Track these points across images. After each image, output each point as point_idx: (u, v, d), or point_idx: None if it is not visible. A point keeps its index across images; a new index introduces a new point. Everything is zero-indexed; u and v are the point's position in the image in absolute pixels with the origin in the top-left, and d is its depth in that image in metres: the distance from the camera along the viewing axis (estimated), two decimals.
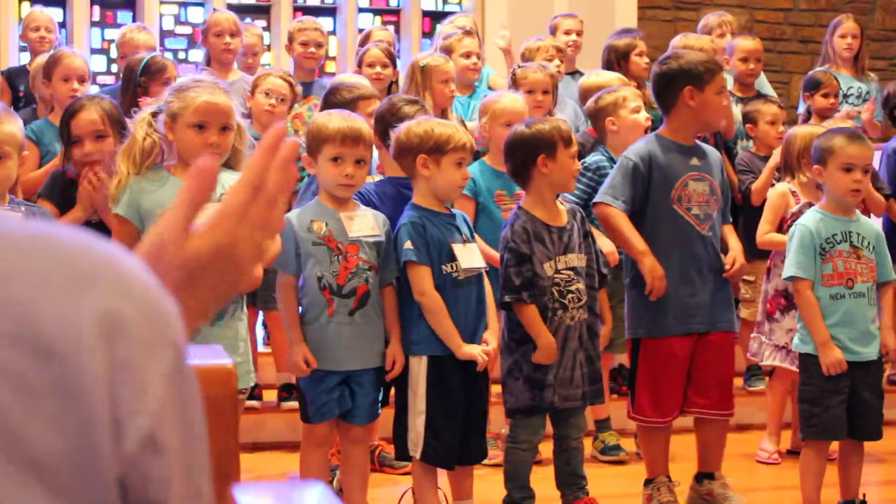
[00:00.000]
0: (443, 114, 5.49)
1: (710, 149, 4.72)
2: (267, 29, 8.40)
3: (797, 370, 5.25)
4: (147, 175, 3.78)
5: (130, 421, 0.85)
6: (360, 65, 6.29)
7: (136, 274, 0.90)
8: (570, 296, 4.20)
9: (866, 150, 4.39)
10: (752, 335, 5.47)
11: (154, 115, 3.82)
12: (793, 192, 5.27)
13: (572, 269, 4.23)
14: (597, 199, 4.51)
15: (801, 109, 6.85)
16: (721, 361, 4.54)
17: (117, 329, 0.86)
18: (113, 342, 0.85)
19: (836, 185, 4.38)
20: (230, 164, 3.91)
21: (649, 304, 4.44)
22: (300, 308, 4.02)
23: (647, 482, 4.56)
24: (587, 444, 4.77)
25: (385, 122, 4.37)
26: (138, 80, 5.39)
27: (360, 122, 4.03)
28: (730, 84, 6.73)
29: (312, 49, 6.42)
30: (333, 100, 4.84)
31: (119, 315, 0.86)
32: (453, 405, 4.05)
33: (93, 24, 8.25)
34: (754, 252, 5.77)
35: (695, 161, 4.51)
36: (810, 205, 5.19)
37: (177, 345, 0.91)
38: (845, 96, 7.01)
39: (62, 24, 8.05)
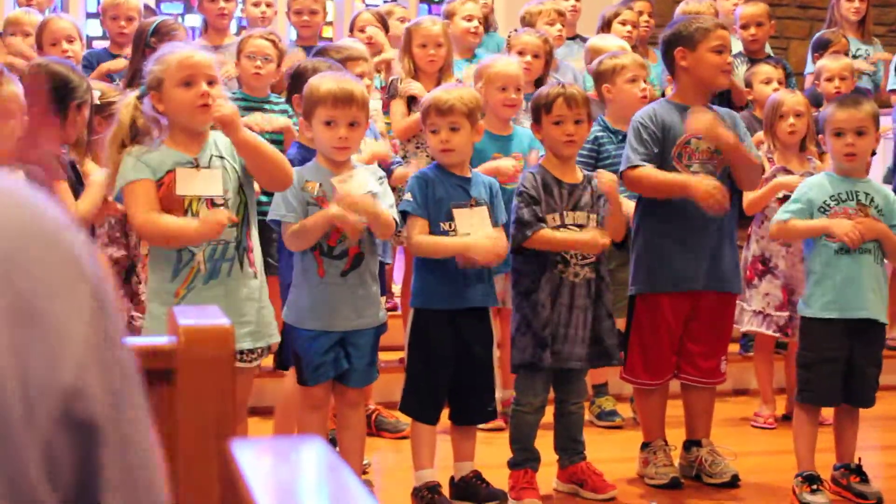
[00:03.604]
0: (439, 77, 5.46)
1: (723, 110, 4.71)
2: None
3: (774, 335, 5.31)
4: (141, 147, 3.77)
5: (50, 378, 0.77)
6: (352, 29, 6.27)
7: (34, 211, 0.81)
8: (572, 251, 4.22)
9: (856, 112, 4.36)
10: (736, 302, 5.49)
11: (140, 98, 3.80)
12: (769, 158, 5.28)
13: (579, 226, 4.25)
14: (621, 169, 4.50)
15: (809, 71, 6.83)
16: (714, 329, 4.55)
17: (21, 278, 0.78)
18: (17, 294, 0.77)
19: (832, 150, 4.42)
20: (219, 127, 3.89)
21: (648, 261, 4.49)
22: (293, 271, 4.02)
23: (644, 445, 4.58)
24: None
25: (290, 85, 4.39)
26: (148, 41, 5.37)
27: (353, 84, 4.00)
28: (740, 49, 6.71)
29: (306, 17, 6.39)
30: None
31: (16, 258, 0.78)
32: (433, 360, 4.11)
33: None
34: (741, 219, 5.79)
35: None
36: (783, 169, 5.23)
37: (92, 282, 0.82)
38: (854, 56, 6.99)
39: None
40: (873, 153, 6.13)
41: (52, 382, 0.78)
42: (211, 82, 3.74)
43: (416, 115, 5.25)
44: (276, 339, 3.96)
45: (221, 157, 3.79)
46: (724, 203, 4.36)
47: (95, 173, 4.17)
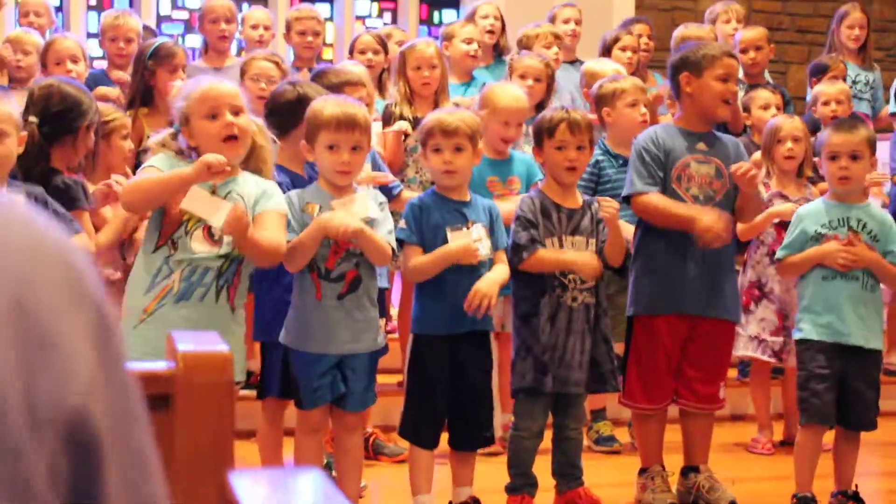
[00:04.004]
0: (436, 99, 5.47)
1: (727, 137, 4.72)
2: None
3: (769, 360, 5.32)
4: (177, 153, 3.80)
5: (58, 400, 0.79)
6: (351, 51, 6.28)
7: (43, 233, 0.83)
8: (571, 276, 4.22)
9: (851, 137, 4.39)
10: None
11: (174, 137, 3.81)
12: (765, 183, 5.30)
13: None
14: (624, 193, 4.50)
15: (810, 97, 6.84)
16: (713, 354, 4.54)
17: (31, 300, 0.79)
18: (27, 316, 0.79)
19: (827, 174, 4.47)
20: (253, 165, 3.87)
21: (647, 283, 4.48)
22: (292, 293, 4.01)
23: (642, 471, 4.57)
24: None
25: (266, 107, 4.40)
26: (146, 63, 5.38)
27: (356, 108, 4.00)
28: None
29: (310, 38, 6.41)
30: (320, 83, 4.80)
31: (26, 281, 0.80)
32: (430, 385, 4.09)
33: (89, 7, 8.22)
34: (736, 245, 5.80)
35: (701, 146, 4.51)
36: (780, 194, 5.24)
37: (98, 304, 0.85)
38: (853, 83, 7.01)
39: (59, 9, 8.03)
40: None
41: (60, 404, 0.80)
42: (237, 112, 3.75)
43: (393, 133, 5.27)
44: (237, 379, 3.92)
45: (241, 197, 3.78)
46: (724, 237, 4.36)
47: (119, 208, 4.19)
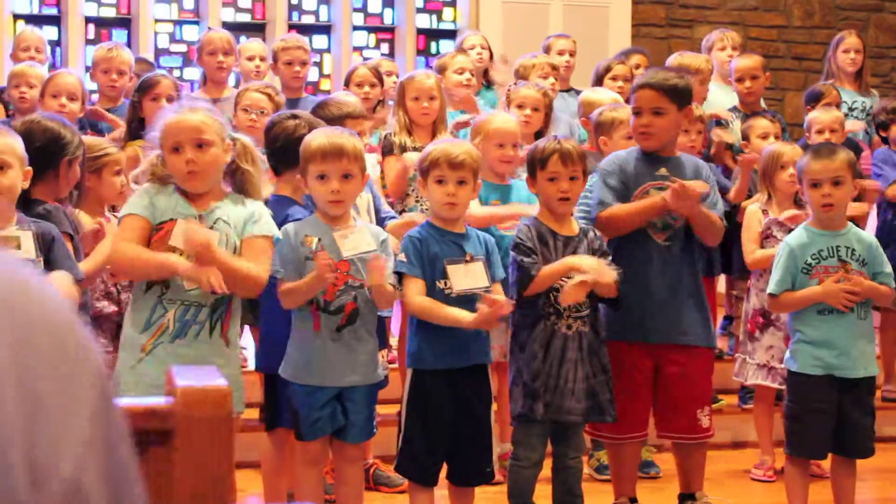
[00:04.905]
0: (433, 130, 5.49)
1: (688, 159, 4.70)
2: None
3: (778, 387, 5.31)
4: (157, 186, 3.79)
5: (52, 467, 0.81)
6: (347, 84, 6.29)
7: (50, 303, 0.85)
8: None
9: (831, 163, 4.37)
10: (736, 354, 5.49)
11: (161, 158, 3.81)
12: (763, 210, 5.29)
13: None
14: (593, 214, 4.52)
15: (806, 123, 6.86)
16: (686, 382, 4.49)
17: (31, 366, 0.81)
18: (27, 380, 0.81)
19: (810, 201, 4.45)
20: (244, 190, 3.86)
21: (613, 308, 4.41)
22: (291, 325, 4.02)
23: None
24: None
25: (269, 137, 4.42)
26: (134, 96, 5.41)
27: (343, 137, 4.01)
28: (735, 103, 6.73)
29: (297, 68, 6.41)
30: (321, 114, 4.82)
31: (32, 350, 0.82)
32: (431, 421, 4.07)
33: (87, 42, 8.25)
34: (742, 271, 5.78)
35: (663, 171, 4.52)
36: (777, 221, 5.24)
37: (100, 379, 0.86)
38: (850, 109, 7.02)
39: (57, 43, 8.06)
40: (859, 198, 6.14)
41: (54, 470, 0.81)
42: (202, 145, 3.71)
43: (399, 167, 5.29)
44: (237, 410, 3.90)
45: (228, 223, 3.77)
46: (691, 199, 4.31)
47: (105, 241, 4.19)
